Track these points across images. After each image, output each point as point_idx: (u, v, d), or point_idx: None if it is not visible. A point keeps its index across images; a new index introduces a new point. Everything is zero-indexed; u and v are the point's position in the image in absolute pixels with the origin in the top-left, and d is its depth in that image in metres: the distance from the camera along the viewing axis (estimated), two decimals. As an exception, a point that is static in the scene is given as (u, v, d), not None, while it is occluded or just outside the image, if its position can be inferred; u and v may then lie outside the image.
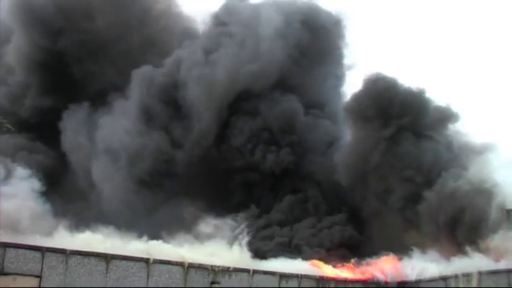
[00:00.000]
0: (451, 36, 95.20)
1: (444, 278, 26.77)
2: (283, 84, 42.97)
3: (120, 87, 43.63)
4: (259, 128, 41.30)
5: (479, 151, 35.04)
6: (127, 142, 40.63)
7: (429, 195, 32.86)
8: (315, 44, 44.43)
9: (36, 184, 28.91)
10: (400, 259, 29.80)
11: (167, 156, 40.55)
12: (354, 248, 34.09)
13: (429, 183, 33.36)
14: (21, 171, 29.24)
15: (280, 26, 43.03)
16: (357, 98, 38.63)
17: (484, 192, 31.01)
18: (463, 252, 27.92)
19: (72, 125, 43.43)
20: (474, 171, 32.90)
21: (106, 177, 39.87)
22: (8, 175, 27.24)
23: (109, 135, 41.10)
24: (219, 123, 41.99)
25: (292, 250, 33.41)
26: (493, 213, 29.19)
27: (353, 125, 39.30)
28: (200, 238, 28.15)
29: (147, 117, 42.22)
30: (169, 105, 42.54)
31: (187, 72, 42.15)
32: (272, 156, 40.05)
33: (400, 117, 36.51)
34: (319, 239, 35.52)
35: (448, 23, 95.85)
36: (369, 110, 37.29)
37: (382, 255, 30.41)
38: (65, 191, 39.52)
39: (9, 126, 19.23)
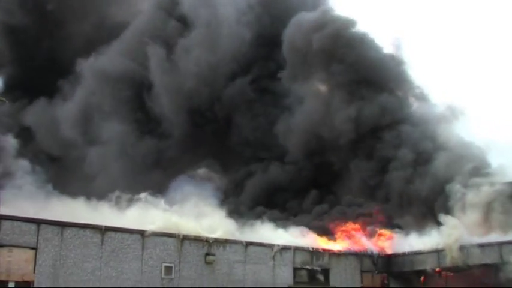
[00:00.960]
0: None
1: (437, 251, 27.05)
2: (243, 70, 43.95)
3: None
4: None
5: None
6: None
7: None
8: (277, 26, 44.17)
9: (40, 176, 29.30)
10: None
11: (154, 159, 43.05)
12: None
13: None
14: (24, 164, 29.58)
15: (241, 8, 43.65)
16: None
17: None
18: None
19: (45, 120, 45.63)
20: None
21: (102, 167, 42.47)
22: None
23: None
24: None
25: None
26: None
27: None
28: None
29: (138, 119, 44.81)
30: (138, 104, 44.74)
31: (154, 76, 43.95)
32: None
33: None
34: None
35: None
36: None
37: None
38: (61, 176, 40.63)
39: (2, 99, 19.04)
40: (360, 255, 28.12)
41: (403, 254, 28.26)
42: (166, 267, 22.76)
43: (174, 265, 22.96)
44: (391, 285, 28.29)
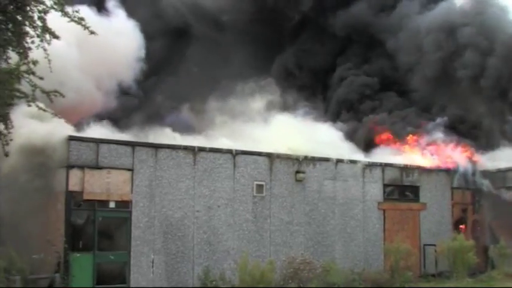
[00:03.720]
0: None
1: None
2: None
3: None
4: None
5: None
6: None
7: None
8: None
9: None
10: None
11: None
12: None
13: None
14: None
15: None
16: None
17: None
18: None
19: None
20: None
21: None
22: None
23: None
24: None
25: None
26: None
27: None
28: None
29: None
30: None
31: None
32: None
33: None
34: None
35: None
36: None
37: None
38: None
39: None
40: (450, 172, 27.40)
41: (495, 171, 27.33)
42: (257, 185, 22.74)
43: (265, 183, 22.90)
44: (481, 202, 27.71)
